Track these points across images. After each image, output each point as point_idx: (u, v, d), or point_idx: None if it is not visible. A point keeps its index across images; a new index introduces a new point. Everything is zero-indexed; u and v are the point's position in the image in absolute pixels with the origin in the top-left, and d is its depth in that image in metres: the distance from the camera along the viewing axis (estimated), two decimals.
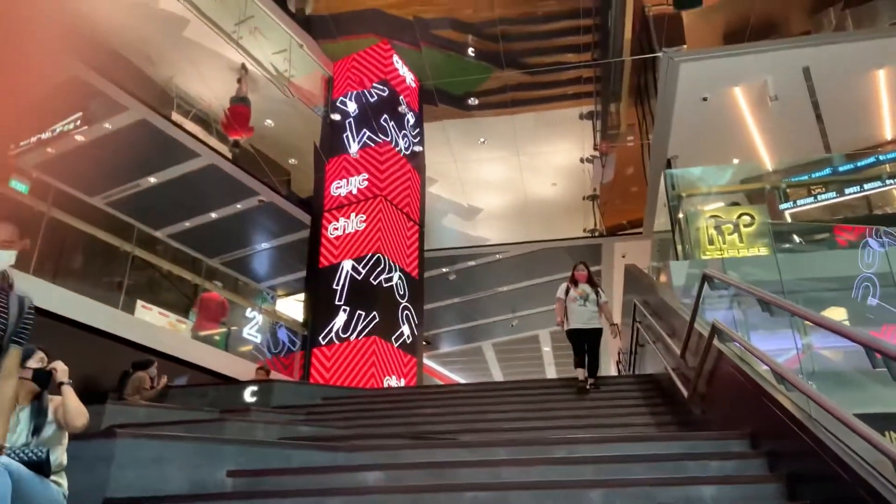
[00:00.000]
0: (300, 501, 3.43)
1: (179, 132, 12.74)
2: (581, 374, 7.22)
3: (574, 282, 7.63)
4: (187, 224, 14.85)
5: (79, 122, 11.96)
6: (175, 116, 13.45)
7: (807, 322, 5.06)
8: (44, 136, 11.97)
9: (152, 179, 13.53)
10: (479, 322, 22.64)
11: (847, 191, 10.24)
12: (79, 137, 12.17)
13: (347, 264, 13.50)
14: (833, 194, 10.31)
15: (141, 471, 3.61)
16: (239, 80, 14.82)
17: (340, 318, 12.99)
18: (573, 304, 7.43)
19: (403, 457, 4.14)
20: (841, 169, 10.59)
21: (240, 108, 14.79)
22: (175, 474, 3.71)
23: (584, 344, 7.29)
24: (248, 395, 8.62)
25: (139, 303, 11.55)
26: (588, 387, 7.09)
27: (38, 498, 2.81)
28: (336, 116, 15.16)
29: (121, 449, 3.57)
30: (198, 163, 13.29)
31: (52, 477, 2.97)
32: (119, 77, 11.78)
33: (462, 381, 26.95)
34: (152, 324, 11.25)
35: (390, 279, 13.49)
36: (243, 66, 14.63)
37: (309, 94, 15.42)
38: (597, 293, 7.51)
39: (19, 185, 10.27)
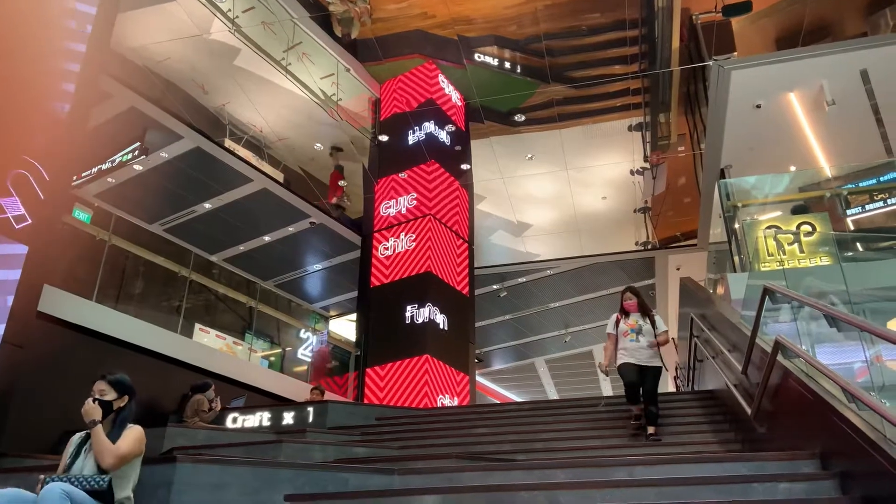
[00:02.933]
0: None
1: (232, 158, 13.08)
2: (636, 408, 6.34)
3: (624, 312, 6.64)
4: (241, 248, 15.20)
5: (136, 152, 12.39)
6: (228, 143, 13.82)
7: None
8: (104, 166, 12.44)
9: (207, 205, 13.90)
10: (532, 338, 22.47)
11: None
12: (137, 167, 12.61)
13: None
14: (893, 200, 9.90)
15: (201, 495, 3.66)
16: (331, 155, 17.08)
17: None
18: (625, 340, 6.42)
19: (459, 479, 4.10)
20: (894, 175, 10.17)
21: (335, 174, 17.17)
22: (234, 499, 3.75)
23: (639, 383, 6.23)
24: (304, 416, 8.70)
25: (197, 326, 11.83)
26: (647, 436, 5.98)
27: None
28: (384, 138, 15.33)
29: (180, 473, 3.63)
30: (250, 188, 13.61)
31: None
32: (174, 107, 12.18)
33: (516, 398, 26.72)
34: (210, 346, 11.49)
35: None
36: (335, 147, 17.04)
37: (356, 115, 15.66)
38: (652, 323, 6.50)
39: (81, 215, 10.67)
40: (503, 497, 3.65)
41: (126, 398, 3.71)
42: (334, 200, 16.86)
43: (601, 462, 4.48)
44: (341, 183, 17.04)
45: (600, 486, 3.66)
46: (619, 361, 6.40)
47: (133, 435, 3.54)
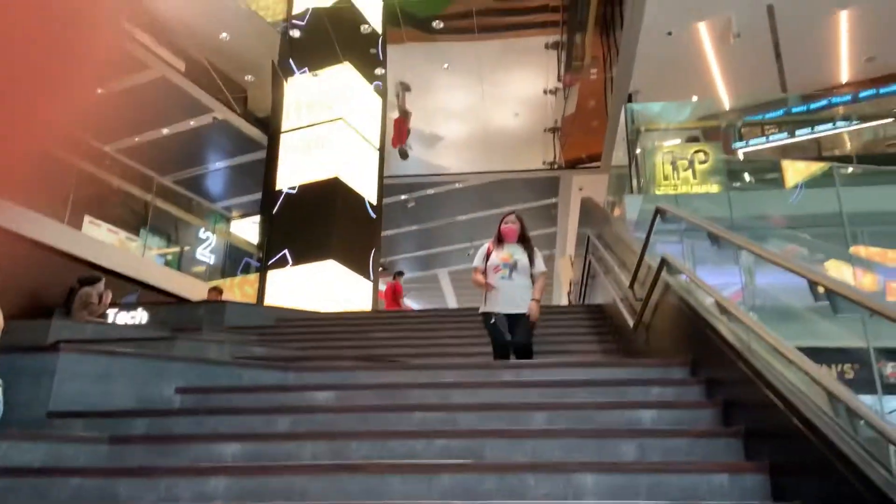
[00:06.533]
0: (249, 419, 3.46)
1: (129, 40, 12.12)
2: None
3: (499, 240, 5.32)
4: (136, 139, 14.34)
5: None
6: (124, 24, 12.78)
7: (752, 257, 5.20)
8: None
9: (98, 90, 12.94)
10: (437, 250, 22.76)
11: (798, 132, 10.42)
12: None
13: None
14: (784, 135, 10.48)
15: (86, 385, 3.58)
16: (397, 96, 17.76)
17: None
18: (494, 276, 5.13)
19: (353, 378, 4.19)
20: (794, 110, 10.74)
21: (401, 120, 18.14)
22: (121, 390, 3.69)
23: (508, 334, 5.01)
24: (201, 315, 8.56)
25: (87, 218, 11.22)
26: None
27: None
28: (295, 33, 14.60)
29: (64, 363, 3.53)
30: (147, 75, 12.73)
31: None
32: None
33: (416, 307, 27.24)
34: (101, 240, 10.98)
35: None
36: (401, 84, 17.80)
37: (267, 7, 14.79)
38: (531, 258, 5.23)
39: None
40: (396, 394, 3.78)
41: None
42: (398, 147, 17.46)
43: (491, 365, 4.69)
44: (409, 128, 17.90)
45: (487, 385, 3.84)
46: (486, 308, 5.14)
47: None
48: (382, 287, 14.48)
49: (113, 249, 11.11)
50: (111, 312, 8.46)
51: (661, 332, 4.60)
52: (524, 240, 5.31)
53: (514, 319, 5.03)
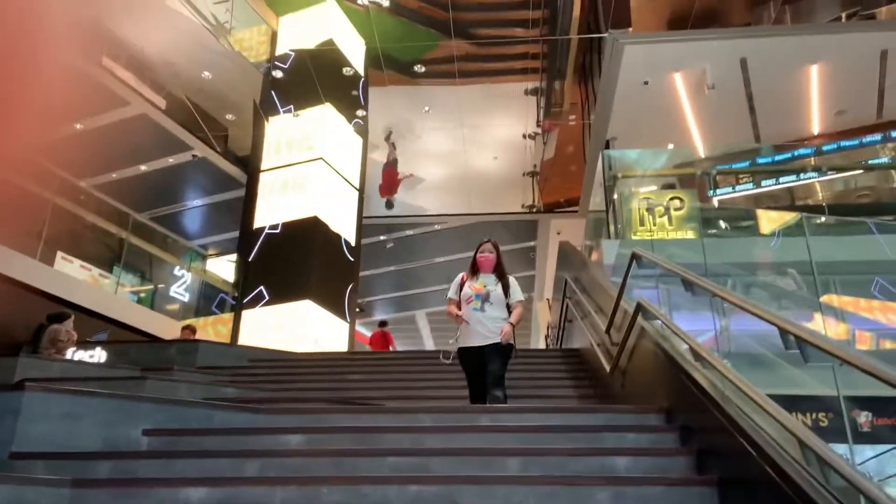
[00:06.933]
0: (218, 463, 3.37)
1: (109, 77, 12.16)
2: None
3: (474, 270, 5.16)
4: (114, 175, 14.26)
5: None
6: (105, 61, 12.81)
7: (726, 304, 5.25)
8: None
9: (78, 126, 12.90)
10: (414, 291, 22.70)
11: (764, 183, 10.70)
12: None
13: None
14: (751, 185, 10.76)
15: (51, 426, 3.48)
16: (386, 139, 18.16)
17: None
18: (467, 308, 4.97)
19: (326, 421, 4.12)
20: (759, 161, 11.04)
21: (390, 170, 18.31)
22: (88, 431, 3.58)
23: (482, 368, 4.83)
24: (172, 355, 8.41)
25: (59, 254, 11.07)
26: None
27: None
28: (278, 74, 14.74)
29: (29, 402, 3.43)
30: (128, 111, 12.73)
31: None
32: None
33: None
34: (73, 277, 10.82)
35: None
36: (390, 132, 17.88)
37: (250, 47, 14.94)
38: (505, 289, 5.03)
39: None
40: (369, 438, 3.72)
41: None
42: (385, 197, 17.62)
43: (468, 409, 4.64)
44: (400, 176, 18.24)
45: (463, 430, 3.80)
46: (459, 344, 5.00)
47: None
48: (364, 332, 14.59)
49: (85, 286, 10.95)
50: (69, 351, 8.27)
51: (637, 377, 4.60)
52: (499, 269, 5.13)
53: (487, 351, 4.82)
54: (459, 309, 5.05)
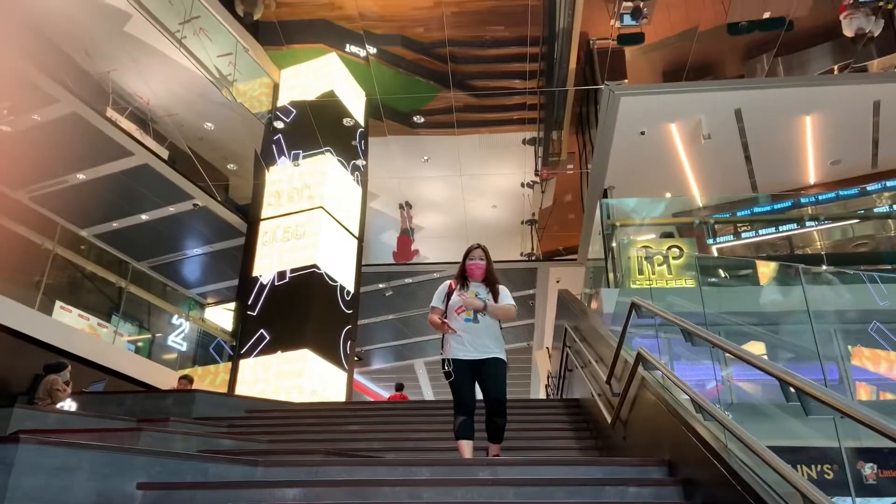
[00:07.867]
0: None
1: (112, 128, 12.32)
2: (466, 449, 4.47)
3: (463, 279, 4.84)
4: (115, 225, 14.34)
5: (5, 112, 11.44)
6: (109, 112, 13.02)
7: (727, 354, 5.22)
8: None
9: (81, 176, 13.04)
10: (414, 340, 22.58)
11: (762, 231, 10.77)
12: (4, 127, 11.63)
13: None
14: (752, 233, 10.83)
15: (45, 479, 3.42)
16: (400, 208, 18.53)
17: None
18: (457, 319, 4.61)
19: (324, 473, 4.05)
20: (756, 210, 11.14)
21: (404, 238, 18.85)
22: (81, 484, 3.52)
23: (474, 386, 4.55)
24: (169, 405, 8.31)
25: (58, 303, 11.05)
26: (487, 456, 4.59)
27: None
28: (279, 124, 14.96)
29: (23, 455, 3.37)
30: (131, 161, 12.87)
31: None
32: (51, 67, 11.34)
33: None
34: (71, 326, 10.77)
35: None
36: (406, 202, 18.40)
37: (252, 98, 15.20)
38: (495, 296, 4.75)
39: None
40: (367, 492, 3.65)
41: None
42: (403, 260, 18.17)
43: (467, 461, 4.57)
44: (414, 248, 18.71)
45: (462, 483, 3.73)
46: (449, 355, 4.60)
47: None
48: (362, 381, 14.90)
49: (83, 336, 10.89)
50: (66, 401, 8.17)
51: (638, 428, 4.54)
52: (491, 278, 4.83)
53: (483, 367, 4.49)
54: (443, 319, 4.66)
